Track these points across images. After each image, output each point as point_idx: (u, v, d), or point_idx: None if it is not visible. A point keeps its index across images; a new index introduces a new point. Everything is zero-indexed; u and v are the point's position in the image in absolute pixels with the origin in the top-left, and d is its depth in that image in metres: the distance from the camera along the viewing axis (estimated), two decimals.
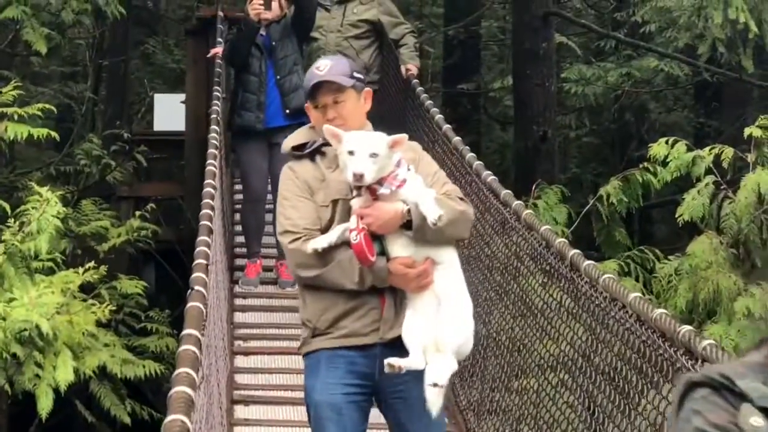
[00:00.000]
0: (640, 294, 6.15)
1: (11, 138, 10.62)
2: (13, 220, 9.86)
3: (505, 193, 8.07)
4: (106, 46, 15.64)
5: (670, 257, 10.72)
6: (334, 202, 5.22)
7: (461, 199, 5.37)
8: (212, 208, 7.84)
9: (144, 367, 10.66)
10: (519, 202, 8.04)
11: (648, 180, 11.20)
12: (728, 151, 10.32)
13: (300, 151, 5.40)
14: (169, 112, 14.77)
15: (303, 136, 5.48)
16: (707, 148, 10.55)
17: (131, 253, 12.64)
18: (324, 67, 5.32)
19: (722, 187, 10.29)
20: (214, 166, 8.77)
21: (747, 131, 10.34)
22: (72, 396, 10.13)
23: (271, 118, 10.24)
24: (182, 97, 14.21)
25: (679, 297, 9.87)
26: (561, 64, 18.52)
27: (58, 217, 9.94)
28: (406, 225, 5.08)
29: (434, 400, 4.98)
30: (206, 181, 8.48)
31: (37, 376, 9.24)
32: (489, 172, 8.69)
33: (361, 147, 4.95)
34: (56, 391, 9.21)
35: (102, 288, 10.79)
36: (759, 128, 10.26)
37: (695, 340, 4.99)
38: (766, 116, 10.62)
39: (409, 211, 5.04)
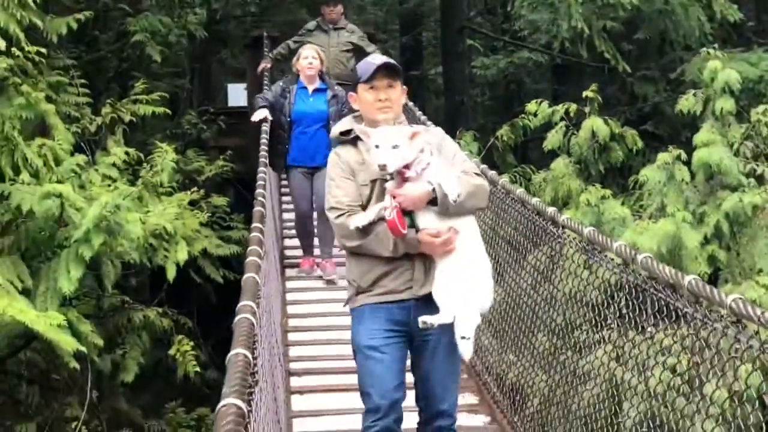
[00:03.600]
0: (523, 189, 6.39)
1: (143, 113, 11.22)
2: (146, 163, 10.36)
3: (423, 117, 8.63)
4: (197, 54, 16.13)
5: (540, 171, 11.33)
6: (373, 182, 4.28)
7: (477, 174, 4.35)
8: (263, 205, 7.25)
9: (230, 249, 11.26)
10: (425, 117, 8.64)
11: (526, 125, 11.78)
12: (573, 107, 10.99)
13: (345, 137, 4.40)
14: (237, 95, 15.39)
15: (347, 124, 4.43)
16: (561, 105, 11.15)
17: (218, 181, 13.16)
18: (381, 59, 4.40)
19: (570, 128, 10.96)
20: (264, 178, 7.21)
21: (584, 93, 10.95)
22: (187, 268, 10.51)
23: (299, 159, 8.83)
24: (244, 85, 14.84)
25: (546, 195, 10.49)
26: (471, 57, 19.23)
27: (173, 161, 10.42)
28: (433, 201, 4.15)
29: (465, 349, 4.15)
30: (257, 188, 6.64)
31: (166, 256, 9.73)
32: (431, 122, 8.59)
33: (385, 141, 4.08)
34: (177, 265, 9.66)
35: (202, 203, 11.34)
36: (591, 92, 10.86)
37: (557, 215, 5.42)
38: (596, 84, 11.28)
39: (434, 190, 4.13)
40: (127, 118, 11.03)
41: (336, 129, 4.48)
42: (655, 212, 9.69)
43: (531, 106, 11.44)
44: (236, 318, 3.14)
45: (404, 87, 4.43)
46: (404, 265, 4.28)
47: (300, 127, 8.81)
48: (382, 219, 4.17)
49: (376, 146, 4.11)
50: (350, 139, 4.39)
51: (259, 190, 6.26)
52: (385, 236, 4.19)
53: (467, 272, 4.20)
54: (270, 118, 8.81)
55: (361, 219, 4.21)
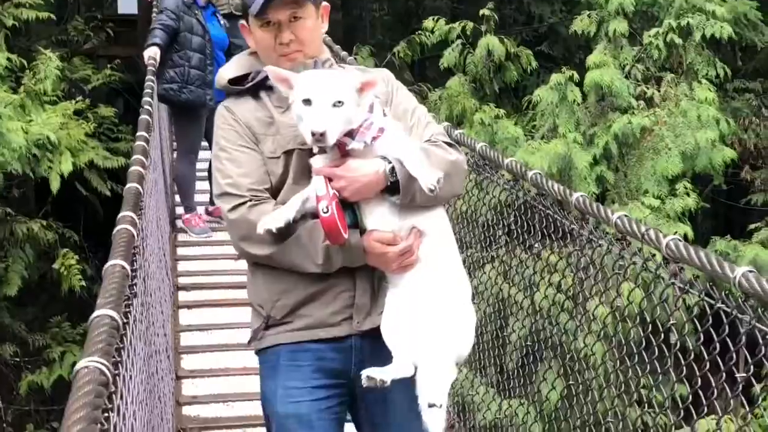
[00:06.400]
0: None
1: (27, 18, 10.75)
2: (29, 71, 9.99)
3: (337, 47, 8.28)
4: None
5: (436, 89, 11.21)
6: (288, 153, 2.78)
7: (449, 144, 2.88)
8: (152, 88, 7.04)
9: (118, 161, 10.82)
10: (345, 53, 8.33)
11: (423, 42, 11.63)
12: (470, 25, 10.89)
13: (240, 86, 2.88)
14: (127, 1, 14.40)
15: (242, 65, 2.92)
16: (458, 23, 11.07)
17: (107, 91, 12.69)
18: None
19: (467, 47, 10.90)
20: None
21: (481, 11, 10.83)
22: (73, 180, 10.31)
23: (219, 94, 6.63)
24: None
25: (441, 113, 10.37)
26: None
27: (57, 69, 10.06)
28: (389, 188, 2.69)
29: (434, 423, 2.63)
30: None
31: (50, 167, 9.42)
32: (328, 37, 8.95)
33: (321, 94, 2.57)
34: (62, 176, 9.40)
35: (89, 113, 10.97)
36: (488, 10, 10.77)
37: (450, 129, 5.22)
38: (493, 3, 11.06)
39: (393, 170, 2.66)
40: (9, 22, 10.63)
41: (226, 72, 2.93)
42: (547, 132, 9.77)
43: (428, 23, 11.35)
44: (116, 228, 2.95)
45: (323, 5, 2.91)
46: (340, 283, 2.81)
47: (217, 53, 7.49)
48: (306, 215, 2.72)
49: (306, 101, 2.59)
50: (248, 88, 2.87)
51: (145, 98, 6.03)
52: (311, 241, 2.71)
53: (437, 298, 2.72)
54: (158, 57, 7.29)
55: (276, 218, 2.68)
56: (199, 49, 7.44)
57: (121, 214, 3.05)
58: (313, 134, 2.55)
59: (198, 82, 7.35)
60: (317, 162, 2.70)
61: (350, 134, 2.64)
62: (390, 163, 2.66)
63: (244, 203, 2.74)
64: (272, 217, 2.68)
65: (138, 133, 4.97)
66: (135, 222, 3.01)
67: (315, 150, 2.68)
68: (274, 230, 2.66)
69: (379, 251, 2.70)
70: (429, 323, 2.68)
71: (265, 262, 2.79)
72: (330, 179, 2.65)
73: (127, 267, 2.58)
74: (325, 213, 2.59)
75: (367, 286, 2.81)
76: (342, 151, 2.67)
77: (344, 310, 2.81)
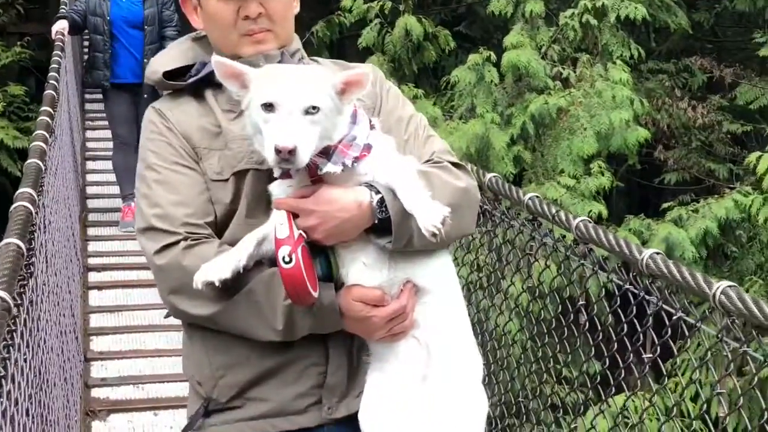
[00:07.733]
0: None
1: None
2: None
3: None
4: None
5: None
6: (239, 175, 2.09)
7: (456, 165, 2.18)
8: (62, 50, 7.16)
9: (28, 140, 9.35)
10: None
11: (342, 21, 11.48)
12: (388, 4, 10.80)
13: (179, 81, 2.17)
14: None
15: (184, 53, 2.22)
16: (376, 2, 10.91)
17: (17, 70, 12.22)
18: None
19: (385, 26, 10.78)
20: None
21: None
22: None
23: (122, 75, 7.45)
24: None
25: None
26: None
27: None
28: (376, 227, 2.00)
29: None
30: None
31: None
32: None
33: (290, 97, 1.89)
34: None
35: None
36: None
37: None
38: None
39: (382, 203, 1.97)
40: None
41: (160, 62, 2.21)
42: (465, 113, 9.76)
43: (346, 2, 11.26)
44: (12, 205, 2.82)
45: None
46: (307, 355, 2.12)
47: (119, 35, 7.47)
48: (263, 261, 2.03)
49: (267, 106, 1.91)
50: (190, 83, 2.16)
51: (51, 74, 5.99)
52: (267, 300, 2.01)
53: (436, 378, 2.08)
54: (66, 31, 7.51)
55: (220, 265, 1.98)
56: (99, 31, 7.50)
57: (19, 191, 2.95)
58: (278, 152, 1.85)
59: (99, 63, 7.45)
60: (278, 188, 2.00)
61: (325, 152, 1.94)
62: (379, 193, 1.97)
63: (176, 242, 2.02)
64: (215, 264, 1.96)
65: (42, 108, 4.86)
66: (33, 199, 2.88)
67: (276, 173, 1.98)
68: (216, 283, 1.95)
69: (360, 315, 2.01)
70: (424, 412, 2.04)
71: (204, 324, 2.07)
72: (295, 215, 1.96)
73: (23, 246, 2.42)
74: (286, 264, 1.87)
75: (343, 358, 2.11)
76: (312, 176, 1.96)
77: (313, 392, 2.10)
